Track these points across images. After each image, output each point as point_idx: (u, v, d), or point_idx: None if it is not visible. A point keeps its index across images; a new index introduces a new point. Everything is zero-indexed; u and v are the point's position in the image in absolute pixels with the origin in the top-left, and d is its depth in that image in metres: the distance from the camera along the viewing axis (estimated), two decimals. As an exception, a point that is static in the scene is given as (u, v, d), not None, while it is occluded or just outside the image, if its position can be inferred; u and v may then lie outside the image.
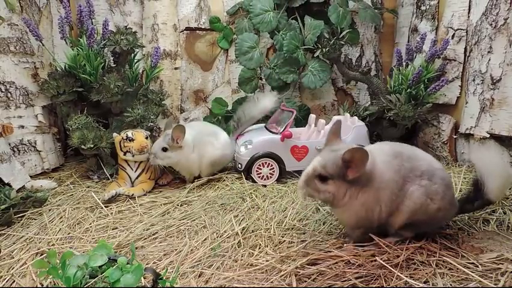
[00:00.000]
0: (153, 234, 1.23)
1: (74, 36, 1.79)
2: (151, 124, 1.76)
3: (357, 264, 0.98)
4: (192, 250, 1.11)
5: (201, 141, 1.66)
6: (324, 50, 1.90)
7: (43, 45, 1.73)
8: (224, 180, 1.69)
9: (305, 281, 0.93)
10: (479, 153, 1.17)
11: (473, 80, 1.70)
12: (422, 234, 1.10)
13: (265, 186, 1.63)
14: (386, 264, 0.97)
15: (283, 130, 1.66)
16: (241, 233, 1.19)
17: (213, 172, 1.73)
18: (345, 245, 1.09)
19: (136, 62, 1.86)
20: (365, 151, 0.95)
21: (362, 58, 2.21)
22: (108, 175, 1.73)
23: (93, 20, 1.76)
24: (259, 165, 1.66)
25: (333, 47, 1.89)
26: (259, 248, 1.10)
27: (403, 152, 1.05)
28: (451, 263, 0.98)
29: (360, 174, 0.98)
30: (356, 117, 1.79)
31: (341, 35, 1.93)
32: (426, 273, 0.95)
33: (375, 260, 0.99)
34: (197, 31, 2.15)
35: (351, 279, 0.92)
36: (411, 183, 1.02)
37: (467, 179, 1.53)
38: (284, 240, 1.13)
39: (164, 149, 1.57)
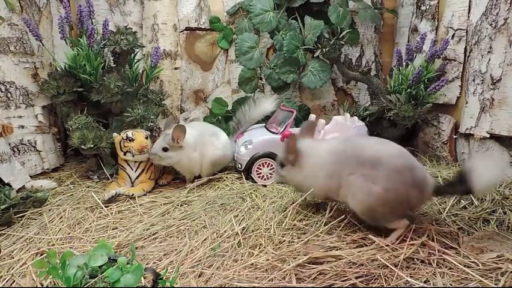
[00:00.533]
0: (153, 234, 1.22)
1: (74, 36, 1.79)
2: (151, 124, 1.76)
3: (357, 263, 0.98)
4: (191, 250, 1.11)
5: (202, 141, 1.66)
6: (324, 50, 1.90)
7: (43, 45, 1.72)
8: (224, 180, 1.69)
9: (305, 280, 0.93)
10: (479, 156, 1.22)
11: (473, 80, 1.70)
12: (423, 232, 1.10)
13: (265, 186, 1.63)
14: (387, 263, 0.97)
15: (283, 130, 1.66)
16: (241, 233, 1.19)
17: (213, 172, 1.73)
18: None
19: (136, 62, 1.86)
20: (293, 137, 1.23)
21: (362, 58, 2.21)
22: (108, 175, 1.73)
23: (93, 20, 1.76)
24: (259, 165, 1.66)
25: (333, 47, 1.89)
26: (260, 248, 1.10)
27: (350, 140, 1.22)
28: (451, 263, 0.98)
29: (292, 158, 1.24)
30: (356, 117, 1.79)
31: (341, 35, 1.93)
32: (426, 273, 0.95)
33: (376, 260, 0.99)
34: (197, 31, 2.15)
35: (351, 279, 0.92)
36: (354, 170, 1.12)
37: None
38: (284, 240, 1.13)
39: (165, 149, 1.57)
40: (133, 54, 1.84)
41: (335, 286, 0.91)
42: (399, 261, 0.98)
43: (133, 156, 1.59)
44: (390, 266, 0.96)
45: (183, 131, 1.55)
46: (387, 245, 1.05)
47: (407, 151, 1.15)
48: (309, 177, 1.22)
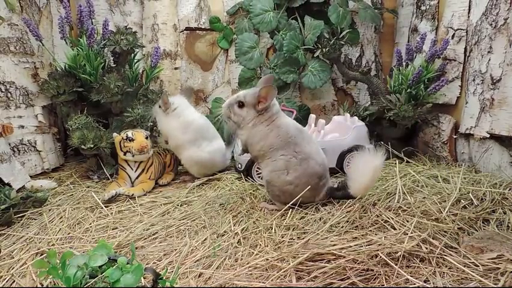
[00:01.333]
0: (153, 234, 1.22)
1: (74, 36, 1.79)
2: (151, 124, 1.76)
3: (357, 262, 0.98)
4: (191, 250, 1.11)
5: (196, 135, 1.67)
6: (324, 50, 1.90)
7: (43, 45, 1.73)
8: (224, 180, 1.69)
9: (305, 279, 0.93)
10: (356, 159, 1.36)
11: (473, 80, 1.70)
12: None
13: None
14: (388, 261, 0.97)
15: (283, 130, 1.65)
16: (241, 232, 1.19)
17: (203, 173, 1.72)
18: None
19: (136, 62, 1.86)
20: (274, 90, 1.28)
21: (362, 58, 2.21)
22: (108, 175, 1.73)
23: (93, 20, 1.76)
24: (259, 165, 1.66)
25: (333, 47, 1.89)
26: (259, 248, 1.10)
27: (304, 132, 1.35)
28: (451, 262, 0.98)
29: (265, 108, 1.29)
30: (356, 117, 1.79)
31: (341, 35, 1.93)
32: (426, 272, 0.95)
33: (376, 258, 0.99)
34: (197, 31, 2.15)
35: (351, 277, 0.92)
36: (286, 151, 1.28)
37: (467, 179, 1.53)
38: (284, 240, 1.13)
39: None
40: (133, 54, 1.84)
41: (335, 285, 0.91)
42: (399, 259, 0.98)
43: (133, 156, 1.60)
44: (390, 262, 0.96)
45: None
46: (387, 239, 1.06)
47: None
48: (258, 133, 1.31)
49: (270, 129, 1.30)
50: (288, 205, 1.29)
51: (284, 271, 0.95)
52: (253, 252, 1.08)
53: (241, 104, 1.31)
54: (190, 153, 1.67)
